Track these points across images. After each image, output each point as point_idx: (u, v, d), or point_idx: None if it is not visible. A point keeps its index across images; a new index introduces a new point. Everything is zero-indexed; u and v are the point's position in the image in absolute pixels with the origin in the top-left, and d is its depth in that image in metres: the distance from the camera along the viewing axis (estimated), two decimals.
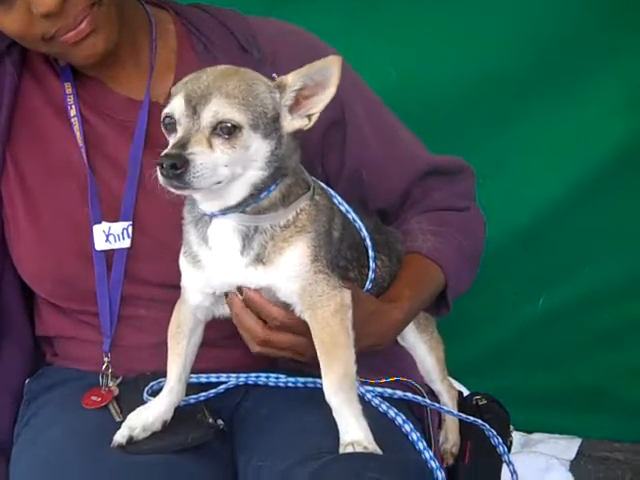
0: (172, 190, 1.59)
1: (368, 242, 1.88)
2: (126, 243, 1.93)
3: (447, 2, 2.82)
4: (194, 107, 1.59)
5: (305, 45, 2.05)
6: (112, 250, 1.93)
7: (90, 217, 1.93)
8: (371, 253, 1.88)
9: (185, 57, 2.02)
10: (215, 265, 1.71)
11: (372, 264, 1.88)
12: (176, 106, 1.60)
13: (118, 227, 1.93)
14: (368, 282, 1.88)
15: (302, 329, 1.71)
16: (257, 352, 1.79)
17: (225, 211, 1.67)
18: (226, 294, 1.77)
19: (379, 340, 1.87)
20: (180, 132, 1.59)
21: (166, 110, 1.62)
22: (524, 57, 2.82)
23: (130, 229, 1.93)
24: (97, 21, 1.85)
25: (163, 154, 1.56)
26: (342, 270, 1.79)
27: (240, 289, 1.73)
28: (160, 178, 1.57)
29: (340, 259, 1.79)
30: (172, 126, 1.61)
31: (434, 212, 2.12)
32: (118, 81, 2.00)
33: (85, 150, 1.95)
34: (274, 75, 1.88)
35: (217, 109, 1.59)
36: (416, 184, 2.12)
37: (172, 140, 1.60)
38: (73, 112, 1.97)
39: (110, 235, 1.93)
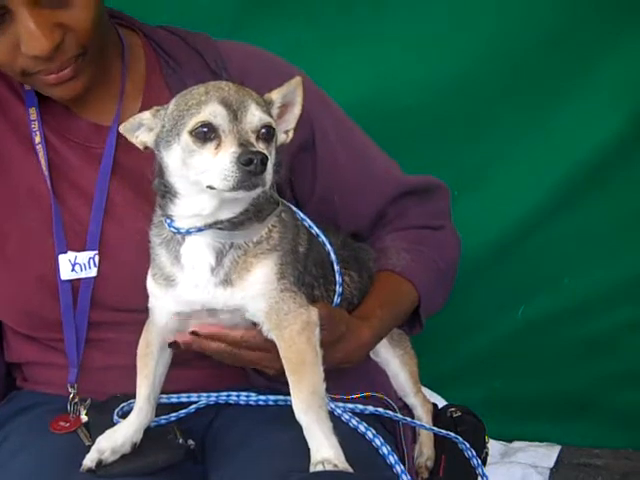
0: (242, 192, 1.57)
1: (332, 256, 1.88)
2: (92, 272, 1.91)
3: (422, 12, 2.80)
4: (234, 112, 1.59)
5: (271, 67, 2.05)
6: (78, 279, 1.91)
7: (55, 246, 1.91)
8: (336, 267, 1.88)
9: (153, 81, 2.02)
10: (186, 284, 1.71)
11: (339, 278, 1.89)
12: (217, 112, 1.59)
13: (84, 256, 1.91)
14: (336, 297, 1.88)
15: (267, 346, 1.72)
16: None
17: (203, 227, 1.68)
18: (177, 346, 1.77)
19: (348, 358, 1.87)
20: (230, 136, 1.57)
21: (203, 117, 1.58)
22: (502, 60, 2.81)
23: (96, 258, 1.91)
24: (80, 69, 1.86)
25: (245, 152, 1.54)
26: (308, 287, 1.79)
27: (195, 332, 1.73)
28: (235, 177, 1.54)
29: (306, 275, 1.79)
30: (208, 134, 1.58)
31: (409, 230, 2.13)
32: (85, 107, 1.99)
33: (50, 177, 1.93)
34: None
35: (259, 114, 1.61)
36: (391, 205, 2.12)
37: (217, 146, 1.57)
38: (38, 139, 1.94)
39: (76, 265, 1.91)
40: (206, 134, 1.58)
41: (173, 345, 1.76)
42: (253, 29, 2.70)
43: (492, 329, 3.11)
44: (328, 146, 2.06)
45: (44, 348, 2.01)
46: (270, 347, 1.72)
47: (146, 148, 1.70)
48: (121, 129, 1.70)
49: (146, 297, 1.79)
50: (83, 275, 1.91)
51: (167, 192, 1.69)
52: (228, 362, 1.81)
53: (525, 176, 2.93)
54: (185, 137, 1.60)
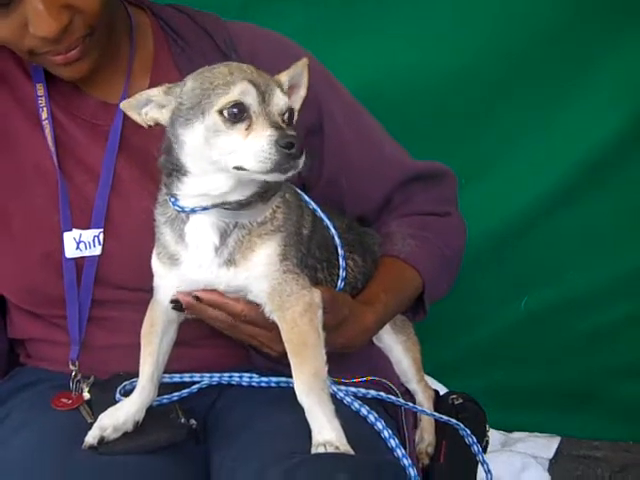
0: (276, 175, 1.57)
1: (337, 240, 1.88)
2: (97, 250, 1.90)
3: (426, 4, 2.80)
4: (263, 94, 1.59)
5: (282, 49, 2.05)
6: (83, 257, 1.91)
7: (60, 224, 1.90)
8: (340, 251, 1.88)
9: (161, 59, 2.01)
10: (190, 263, 1.71)
11: (342, 262, 1.88)
12: (248, 92, 1.58)
13: (89, 234, 1.90)
14: (340, 281, 1.88)
15: (267, 323, 1.72)
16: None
17: (209, 206, 1.67)
18: (180, 307, 1.75)
19: (351, 342, 1.87)
20: (261, 117, 1.57)
21: (234, 97, 1.57)
22: (505, 54, 2.81)
23: (101, 236, 1.90)
24: (88, 49, 1.85)
25: (283, 135, 1.54)
26: (311, 270, 1.79)
27: (197, 297, 1.72)
28: (274, 160, 1.54)
29: (309, 258, 1.79)
30: (239, 114, 1.57)
31: (415, 216, 2.12)
32: (93, 84, 1.98)
33: (56, 154, 1.92)
34: None
35: (284, 97, 1.62)
36: (397, 190, 2.12)
37: (247, 127, 1.57)
38: (45, 115, 1.93)
39: (81, 242, 1.90)
40: (237, 114, 1.57)
41: (175, 302, 1.74)
42: (256, 18, 2.68)
43: (495, 320, 3.11)
44: (336, 128, 2.06)
45: (47, 325, 2.01)
46: (270, 325, 1.72)
47: (156, 125, 1.68)
48: (123, 105, 1.68)
49: (150, 276, 1.78)
50: (87, 253, 1.90)
51: (175, 170, 1.68)
52: (227, 333, 1.80)
53: (529, 168, 2.92)
54: (213, 116, 1.59)
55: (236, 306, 1.72)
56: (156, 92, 1.67)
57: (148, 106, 1.67)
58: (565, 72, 2.84)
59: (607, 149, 2.87)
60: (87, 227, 1.91)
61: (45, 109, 1.94)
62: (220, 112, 1.58)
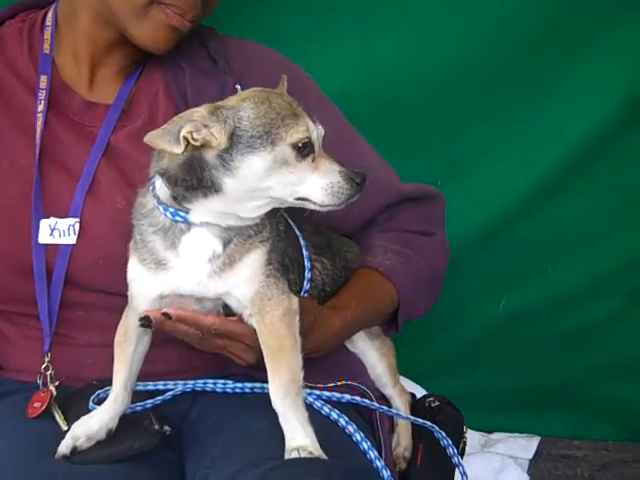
0: (343, 206, 1.66)
1: (301, 241, 1.89)
2: (72, 239, 1.90)
3: (410, 3, 2.80)
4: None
5: (274, 65, 2.05)
6: (55, 247, 1.90)
7: (32, 214, 1.90)
8: (305, 252, 1.89)
9: (150, 61, 2.04)
10: (180, 270, 1.70)
11: (307, 263, 1.89)
12: (312, 128, 1.66)
13: (64, 223, 1.91)
14: (305, 282, 1.89)
15: (235, 334, 1.73)
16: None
17: (220, 223, 1.68)
18: (146, 325, 1.73)
19: (317, 347, 1.87)
20: (322, 152, 1.66)
21: (305, 133, 1.63)
22: (484, 56, 2.81)
23: (77, 226, 1.90)
24: (187, 31, 1.92)
25: (351, 171, 1.65)
26: (285, 270, 1.79)
27: (166, 314, 1.70)
28: (348, 194, 1.64)
29: (285, 257, 1.80)
30: (308, 149, 1.64)
31: (399, 232, 2.13)
32: (85, 83, 2.01)
33: (39, 149, 1.93)
34: (237, 86, 1.94)
35: (321, 128, 1.70)
36: (382, 212, 2.13)
37: (316, 161, 1.64)
38: (41, 107, 1.95)
39: (55, 230, 1.90)
40: (306, 149, 1.63)
41: (144, 320, 1.72)
42: (240, 18, 2.69)
43: (474, 320, 3.11)
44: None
45: (19, 326, 2.00)
46: (238, 336, 1.73)
47: (203, 146, 1.61)
48: (148, 138, 1.60)
49: (116, 279, 1.78)
50: (61, 241, 1.90)
51: (203, 187, 1.64)
52: (198, 346, 1.81)
53: (509, 166, 2.92)
54: (283, 148, 1.62)
55: (206, 319, 1.72)
56: (203, 112, 1.61)
57: (188, 125, 1.60)
58: (550, 67, 2.83)
59: (588, 145, 2.87)
60: (62, 217, 1.91)
61: (43, 102, 1.95)
62: (293, 146, 1.62)
